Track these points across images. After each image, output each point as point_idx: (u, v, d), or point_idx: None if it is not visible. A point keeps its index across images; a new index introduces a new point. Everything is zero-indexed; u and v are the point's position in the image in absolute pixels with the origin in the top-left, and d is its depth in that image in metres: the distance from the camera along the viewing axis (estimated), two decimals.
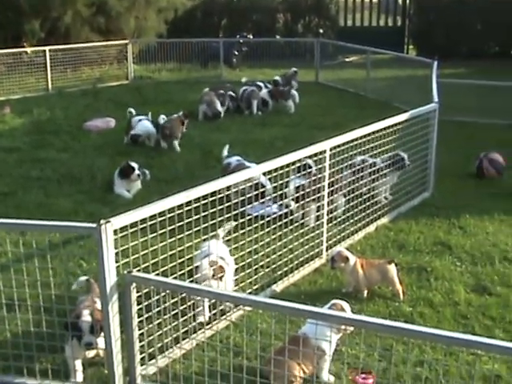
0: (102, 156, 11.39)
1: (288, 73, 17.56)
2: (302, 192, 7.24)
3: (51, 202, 9.05)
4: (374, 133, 7.82)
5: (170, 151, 11.75)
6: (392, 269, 6.44)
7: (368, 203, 7.99)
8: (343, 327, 4.93)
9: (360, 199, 7.88)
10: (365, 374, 5.03)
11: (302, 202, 7.23)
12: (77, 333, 4.98)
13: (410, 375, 5.03)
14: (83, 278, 5.89)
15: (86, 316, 5.01)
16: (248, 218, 6.29)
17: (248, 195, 6.36)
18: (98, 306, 5.00)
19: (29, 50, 18.45)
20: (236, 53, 21.89)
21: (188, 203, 5.30)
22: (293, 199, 7.41)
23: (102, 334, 4.82)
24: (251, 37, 23.12)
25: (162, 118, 12.33)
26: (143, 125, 12.12)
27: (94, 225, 4.53)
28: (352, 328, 4.95)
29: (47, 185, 9.88)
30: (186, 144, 12.19)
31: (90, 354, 5.12)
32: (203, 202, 5.46)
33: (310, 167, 7.80)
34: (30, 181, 10.10)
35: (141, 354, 4.97)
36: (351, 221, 7.72)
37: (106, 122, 13.66)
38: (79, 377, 5.07)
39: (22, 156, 11.51)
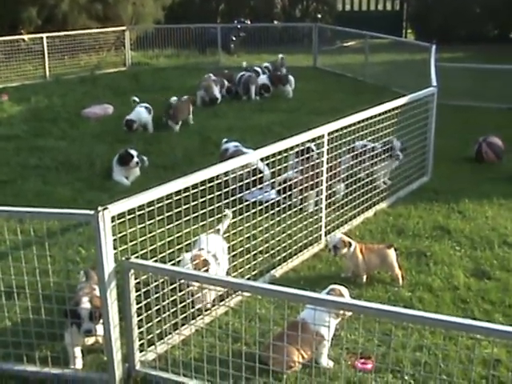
0: (101, 143, 11.36)
1: (277, 60, 17.45)
2: (289, 183, 7.20)
3: (50, 190, 9.02)
4: (372, 117, 7.78)
5: (169, 137, 11.73)
6: (391, 253, 6.43)
7: (367, 188, 7.96)
8: (342, 312, 4.93)
9: (359, 184, 7.84)
10: (364, 359, 5.03)
11: (292, 192, 7.16)
12: (76, 320, 4.97)
13: (410, 360, 5.03)
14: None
15: (85, 303, 4.99)
16: (246, 203, 6.27)
17: (246, 181, 6.34)
18: (97, 293, 4.99)
19: (26, 37, 18.35)
20: (234, 38, 21.84)
21: (186, 189, 5.28)
22: (278, 191, 7.33)
23: (101, 321, 4.81)
24: (249, 22, 23.06)
25: (173, 100, 12.55)
26: (137, 111, 12.23)
27: (92, 212, 4.50)
28: (350, 313, 4.94)
29: (46, 173, 9.86)
30: (184, 130, 12.18)
31: (90, 341, 5.11)
32: (201, 187, 5.44)
33: (312, 151, 7.75)
34: (29, 169, 10.07)
35: (140, 340, 4.97)
36: (350, 206, 7.69)
37: (104, 108, 13.64)
38: (78, 364, 5.06)
39: (20, 144, 11.48)
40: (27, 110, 14.23)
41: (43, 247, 5.58)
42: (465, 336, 5.16)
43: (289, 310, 5.11)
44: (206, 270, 5.63)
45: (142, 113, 12.21)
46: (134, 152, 9.47)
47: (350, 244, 6.40)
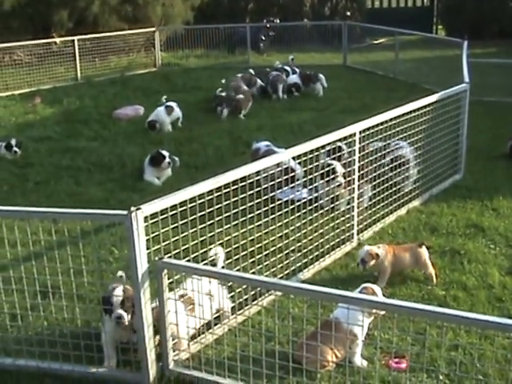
0: (132, 144, 11.44)
1: (288, 61, 17.39)
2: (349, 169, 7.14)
3: (82, 191, 9.12)
4: (404, 115, 7.72)
5: (200, 137, 11.76)
6: (424, 252, 6.37)
7: (398, 186, 7.89)
8: (375, 311, 4.90)
9: (391, 182, 7.77)
10: (398, 359, 4.99)
11: (348, 179, 7.17)
12: (109, 307, 4.98)
13: (444, 359, 4.99)
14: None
15: (118, 292, 4.99)
16: (278, 202, 6.27)
17: (278, 180, 6.33)
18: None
19: (58, 40, 18.54)
20: (263, 38, 21.81)
21: (218, 189, 5.29)
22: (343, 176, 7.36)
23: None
24: (278, 21, 22.99)
25: (219, 92, 13.54)
26: (156, 111, 12.46)
27: (125, 212, 4.54)
28: (383, 312, 4.91)
29: (78, 173, 9.97)
30: (215, 130, 12.20)
31: (124, 337, 5.12)
32: (233, 187, 5.45)
33: (343, 150, 7.72)
34: (61, 170, 10.20)
35: (173, 339, 4.98)
36: (382, 204, 7.64)
37: (135, 109, 13.72)
38: (113, 362, 5.09)
39: (53, 145, 11.61)
40: (59, 112, 14.39)
41: (77, 247, 5.61)
42: (501, 335, 5.11)
43: (322, 309, 5.09)
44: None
45: (160, 112, 12.40)
46: (165, 153, 9.53)
47: (378, 255, 6.29)
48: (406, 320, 5.18)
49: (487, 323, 3.94)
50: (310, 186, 6.91)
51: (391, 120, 7.50)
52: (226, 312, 5.57)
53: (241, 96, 13.58)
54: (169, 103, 12.67)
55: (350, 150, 7.19)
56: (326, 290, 4.33)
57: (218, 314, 5.44)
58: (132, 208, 4.52)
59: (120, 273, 5.68)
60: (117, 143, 11.60)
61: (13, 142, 10.92)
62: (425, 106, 8.11)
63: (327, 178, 7.25)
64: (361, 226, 7.31)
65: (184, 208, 5.03)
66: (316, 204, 6.81)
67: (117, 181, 9.56)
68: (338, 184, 7.35)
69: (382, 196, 7.65)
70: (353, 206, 7.15)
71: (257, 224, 6.07)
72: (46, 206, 5.38)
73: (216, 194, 5.29)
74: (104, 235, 7.16)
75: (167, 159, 9.45)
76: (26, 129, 12.97)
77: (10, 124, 13.55)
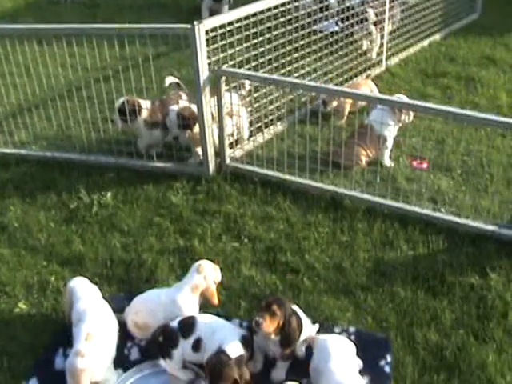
0: None
1: None
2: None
3: (145, 23, 8.83)
4: None
5: None
6: (371, 83, 5.99)
7: (420, 21, 7.47)
8: (402, 118, 4.79)
9: (415, 16, 7.35)
10: (420, 160, 4.94)
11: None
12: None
13: (459, 162, 4.93)
14: (173, 80, 5.77)
15: (119, 102, 4.96)
16: (314, 28, 5.90)
17: (313, 8, 5.92)
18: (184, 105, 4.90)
19: None
20: None
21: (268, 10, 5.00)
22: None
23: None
24: None
25: None
26: None
27: (189, 26, 4.36)
28: (411, 117, 4.81)
29: (139, 11, 9.72)
30: None
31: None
32: (281, 9, 5.17)
33: None
34: (124, 9, 9.91)
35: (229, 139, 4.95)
36: (407, 35, 7.28)
37: None
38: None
39: None
40: None
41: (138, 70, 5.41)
42: (506, 145, 5.06)
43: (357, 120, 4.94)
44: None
45: None
46: None
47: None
48: (428, 130, 5.07)
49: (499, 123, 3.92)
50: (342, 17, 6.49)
51: None
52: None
53: None
54: None
55: None
56: (363, 93, 4.19)
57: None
58: (195, 22, 4.34)
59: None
60: None
61: None
62: None
63: (361, 25, 6.74)
64: (389, 53, 7.02)
65: (239, 25, 4.80)
66: (349, 32, 6.47)
67: (173, 17, 9.20)
68: (368, 32, 6.90)
69: (408, 28, 7.28)
70: (383, 35, 6.82)
71: (300, 44, 5.74)
72: None
73: (267, 14, 5.02)
74: (163, 60, 6.97)
75: None
76: None
77: None
